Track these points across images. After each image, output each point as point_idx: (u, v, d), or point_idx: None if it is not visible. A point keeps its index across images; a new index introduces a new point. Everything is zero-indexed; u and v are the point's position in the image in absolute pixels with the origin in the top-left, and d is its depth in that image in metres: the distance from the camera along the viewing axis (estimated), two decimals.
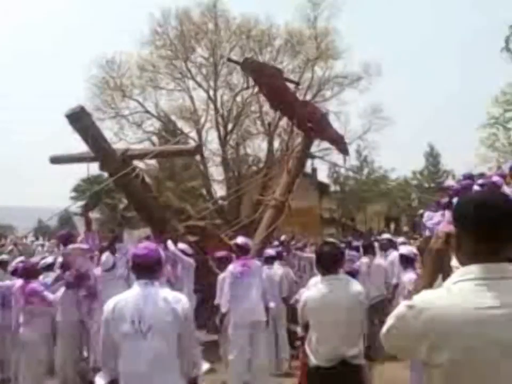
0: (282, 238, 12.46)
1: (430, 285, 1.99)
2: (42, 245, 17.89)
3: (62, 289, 6.73)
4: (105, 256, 7.08)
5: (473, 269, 1.71)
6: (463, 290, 1.69)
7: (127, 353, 3.34)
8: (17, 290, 6.52)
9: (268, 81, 7.80)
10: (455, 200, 9.04)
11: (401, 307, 1.80)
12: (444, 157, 39.94)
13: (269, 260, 8.26)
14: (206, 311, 8.27)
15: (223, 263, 7.39)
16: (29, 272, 6.58)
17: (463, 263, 1.78)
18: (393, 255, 8.70)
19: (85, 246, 7.45)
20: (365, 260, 8.75)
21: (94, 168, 8.11)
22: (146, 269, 3.48)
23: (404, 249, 6.95)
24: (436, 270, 2.06)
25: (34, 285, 6.39)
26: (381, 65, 27.31)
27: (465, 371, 1.65)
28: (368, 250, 9.07)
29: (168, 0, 32.71)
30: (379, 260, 8.84)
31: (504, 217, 1.72)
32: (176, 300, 3.46)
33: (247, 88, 26.06)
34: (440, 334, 1.66)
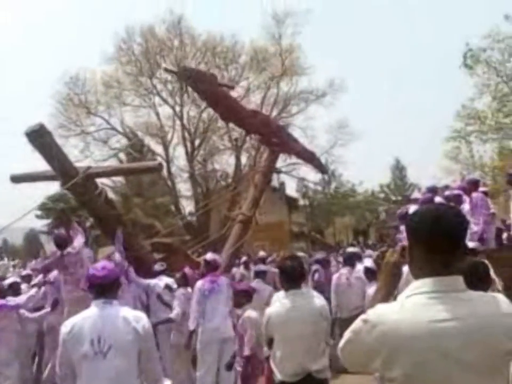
0: (261, 254, 12.36)
1: (386, 298, 2.00)
2: (14, 266, 17.48)
3: None
4: None
5: (426, 282, 1.72)
6: (415, 304, 1.70)
7: (87, 374, 3.28)
8: None
9: (206, 88, 7.77)
10: None
11: (357, 321, 1.81)
12: (409, 170, 40.72)
13: (260, 274, 8.30)
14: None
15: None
16: None
17: (415, 275, 1.79)
18: (359, 268, 8.77)
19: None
20: (344, 271, 8.76)
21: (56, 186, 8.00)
22: (104, 288, 3.43)
23: (368, 262, 7.00)
24: (392, 283, 2.07)
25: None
26: (345, 81, 27.81)
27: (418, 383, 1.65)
28: (347, 262, 9.08)
29: (133, 16, 32.71)
30: (359, 272, 8.82)
31: (455, 230, 1.75)
32: (137, 318, 3.41)
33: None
34: (392, 349, 1.66)
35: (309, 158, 12.23)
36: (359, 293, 8.31)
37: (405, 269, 1.95)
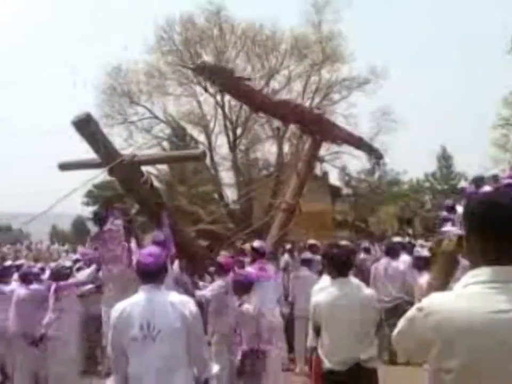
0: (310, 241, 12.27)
1: (442, 287, 1.96)
2: (67, 251, 18.04)
3: None
4: None
5: (484, 271, 1.68)
6: (472, 294, 1.65)
7: (137, 357, 3.35)
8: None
9: (223, 81, 7.73)
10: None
11: (411, 310, 1.78)
12: (456, 159, 39.65)
13: (306, 262, 8.27)
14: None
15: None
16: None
17: (473, 264, 1.74)
18: (404, 258, 8.63)
19: None
20: (383, 261, 8.64)
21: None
22: (152, 274, 3.47)
23: (423, 251, 6.83)
24: (448, 273, 2.03)
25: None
26: (388, 68, 27.15)
27: (475, 375, 1.61)
28: (390, 252, 8.95)
29: (173, 7, 32.84)
30: (398, 262, 8.67)
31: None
32: (184, 303, 3.46)
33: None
34: (448, 339, 1.62)
35: (357, 144, 12.09)
36: (398, 284, 8.20)
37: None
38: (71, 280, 7.00)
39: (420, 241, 11.47)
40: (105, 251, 7.02)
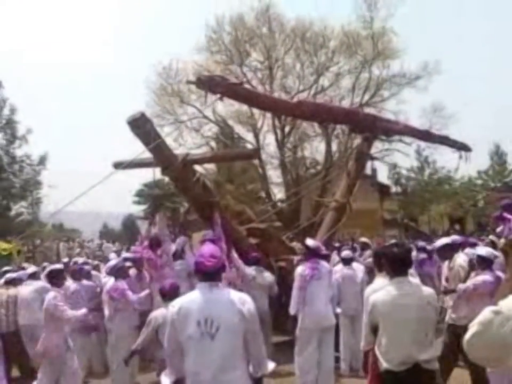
0: (362, 239, 12.18)
1: None
2: (116, 251, 18.44)
3: None
4: None
5: None
6: None
7: (194, 354, 3.36)
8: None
9: (223, 90, 7.88)
10: None
11: (486, 313, 1.72)
12: (510, 156, 38.36)
13: (346, 261, 8.19)
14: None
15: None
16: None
17: None
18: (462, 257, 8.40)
19: None
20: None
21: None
22: (211, 273, 3.49)
23: (483, 251, 6.60)
24: None
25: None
26: (440, 63, 26.51)
27: None
28: (440, 255, 8.71)
29: (223, 6, 33.13)
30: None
31: None
32: (242, 301, 3.47)
33: (303, 90, 26.02)
34: None
35: (423, 136, 11.97)
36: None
37: None
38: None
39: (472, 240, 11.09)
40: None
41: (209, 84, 7.83)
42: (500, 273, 6.35)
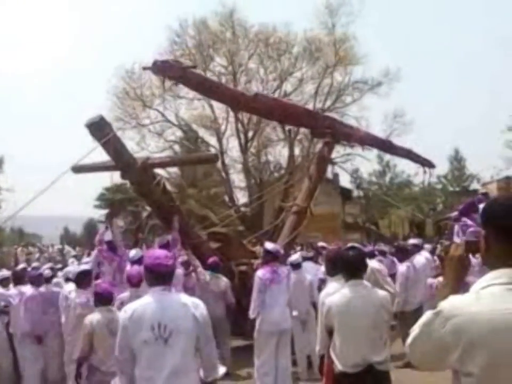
0: (320, 244, 12.26)
1: (454, 292, 1.94)
2: (76, 256, 18.09)
3: None
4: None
5: (504, 273, 1.67)
6: (493, 295, 1.64)
7: (148, 359, 3.32)
8: None
9: (176, 74, 7.77)
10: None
11: (427, 315, 1.75)
12: (469, 161, 39.36)
13: (296, 266, 8.18)
14: (229, 316, 8.26)
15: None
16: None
17: (492, 265, 1.74)
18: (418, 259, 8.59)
19: None
20: (406, 264, 8.58)
21: (117, 177, 8.20)
22: (162, 277, 3.47)
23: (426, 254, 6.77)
24: (458, 278, 2.02)
25: None
26: (400, 70, 27.12)
27: (496, 379, 1.60)
28: (411, 254, 8.89)
29: (186, 10, 33.01)
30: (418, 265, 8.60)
31: None
32: (195, 305, 3.46)
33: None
34: (469, 342, 1.61)
35: (385, 146, 12.05)
36: (423, 286, 8.11)
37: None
38: None
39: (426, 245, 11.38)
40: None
41: (164, 68, 7.74)
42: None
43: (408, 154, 11.86)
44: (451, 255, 2.07)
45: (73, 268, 8.61)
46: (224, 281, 8.05)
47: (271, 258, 6.85)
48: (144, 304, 3.43)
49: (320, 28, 26.15)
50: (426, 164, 11.49)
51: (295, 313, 6.89)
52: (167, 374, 3.29)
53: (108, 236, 7.76)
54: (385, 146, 12.06)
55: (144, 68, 8.26)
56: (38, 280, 8.28)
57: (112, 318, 5.15)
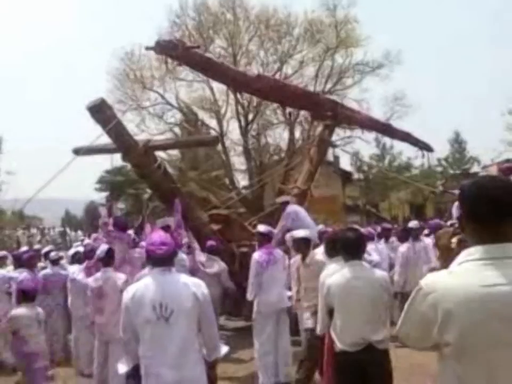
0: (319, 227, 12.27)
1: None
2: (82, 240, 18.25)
3: None
4: None
5: (478, 250, 1.75)
6: (467, 270, 1.73)
7: (150, 338, 3.38)
8: None
9: (179, 53, 7.74)
10: None
11: (412, 293, 1.84)
12: (469, 144, 39.31)
13: None
14: (229, 298, 8.34)
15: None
16: None
17: (469, 243, 1.82)
18: (426, 241, 8.66)
19: None
20: (409, 244, 8.63)
21: (117, 160, 8.23)
22: (163, 259, 3.52)
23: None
24: (447, 263, 2.09)
25: None
26: (401, 52, 26.97)
27: (471, 346, 1.68)
28: (407, 236, 8.95)
29: None
30: (418, 246, 8.65)
31: (500, 198, 1.75)
32: (196, 285, 3.51)
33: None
34: (446, 313, 1.70)
35: (384, 129, 12.07)
36: (422, 267, 8.17)
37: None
38: None
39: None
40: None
41: (168, 48, 7.72)
42: None
43: (407, 138, 11.90)
44: (441, 243, 2.16)
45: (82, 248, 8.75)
46: (219, 264, 8.04)
47: (265, 240, 6.90)
48: (145, 284, 3.48)
49: (321, 10, 25.98)
50: (425, 147, 11.53)
51: (289, 293, 6.97)
52: (170, 353, 3.35)
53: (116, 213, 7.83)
54: (385, 129, 12.09)
55: (147, 48, 8.19)
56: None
57: (38, 313, 5.58)
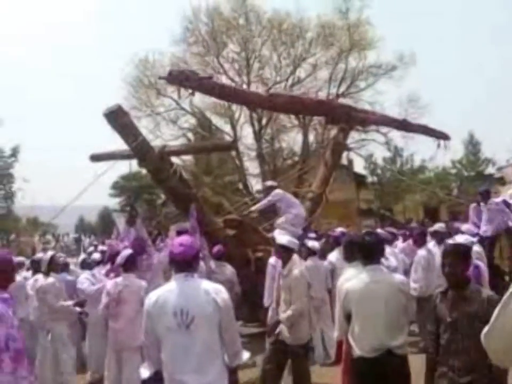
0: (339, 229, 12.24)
1: None
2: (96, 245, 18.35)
3: None
4: None
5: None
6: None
7: (171, 345, 3.39)
8: None
9: (194, 85, 7.93)
10: None
11: (504, 296, 1.66)
12: (484, 145, 38.93)
13: (312, 252, 8.21)
14: (245, 303, 8.32)
15: None
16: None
17: None
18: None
19: None
20: (431, 247, 8.54)
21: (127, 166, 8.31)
22: (185, 263, 3.52)
23: (461, 239, 6.70)
24: None
25: None
26: (415, 54, 26.84)
27: None
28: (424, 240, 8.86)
29: None
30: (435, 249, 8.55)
31: None
32: (217, 290, 3.50)
33: (280, 82, 26.10)
34: None
35: (400, 125, 12.14)
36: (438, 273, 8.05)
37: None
38: None
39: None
40: None
41: (180, 79, 7.84)
42: (479, 262, 6.52)
43: (424, 130, 11.93)
44: None
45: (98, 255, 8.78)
46: (229, 269, 8.02)
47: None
48: (167, 290, 3.49)
49: (333, 13, 25.96)
50: (442, 136, 11.50)
51: None
52: (192, 359, 3.35)
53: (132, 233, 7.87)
54: (401, 124, 12.15)
55: (160, 78, 8.40)
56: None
57: None
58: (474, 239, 8.27)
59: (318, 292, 7.69)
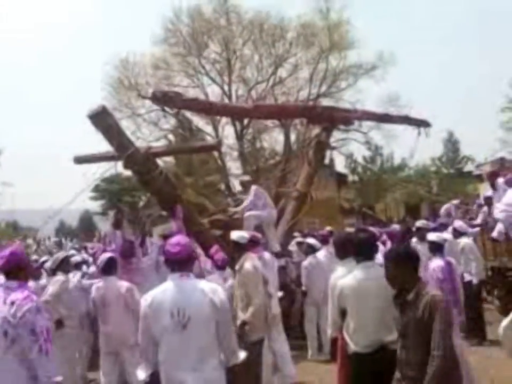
0: (327, 228, 12.26)
1: None
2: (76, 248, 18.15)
3: None
4: None
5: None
6: None
7: (168, 346, 3.38)
8: None
9: (177, 105, 8.08)
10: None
11: None
12: (463, 143, 39.57)
13: (312, 250, 8.27)
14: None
15: None
16: None
17: None
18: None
19: None
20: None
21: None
22: (181, 263, 3.51)
23: (433, 236, 6.81)
24: None
25: None
26: (395, 54, 27.05)
27: None
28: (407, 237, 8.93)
29: None
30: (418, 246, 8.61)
31: None
32: (213, 290, 3.50)
33: (261, 82, 26.12)
34: None
35: (383, 118, 12.37)
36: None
37: None
38: None
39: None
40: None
41: (164, 100, 7.91)
42: (450, 259, 6.63)
43: (405, 119, 12.08)
44: None
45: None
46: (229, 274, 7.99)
47: (253, 245, 6.55)
48: (163, 290, 3.48)
49: (314, 13, 26.04)
50: (423, 124, 11.65)
51: (280, 293, 6.98)
52: (189, 359, 3.35)
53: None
54: (383, 118, 12.40)
55: (144, 97, 8.61)
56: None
57: None
58: (449, 237, 8.42)
59: (317, 288, 7.77)
